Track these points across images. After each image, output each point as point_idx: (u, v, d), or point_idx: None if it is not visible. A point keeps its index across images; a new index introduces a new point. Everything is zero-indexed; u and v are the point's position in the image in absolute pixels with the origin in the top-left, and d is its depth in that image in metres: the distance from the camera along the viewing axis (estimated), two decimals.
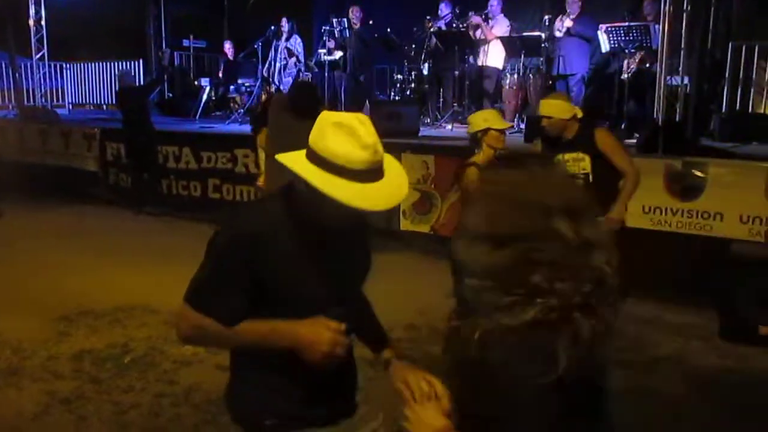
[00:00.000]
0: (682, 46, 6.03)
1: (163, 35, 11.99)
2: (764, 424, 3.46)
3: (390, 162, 1.66)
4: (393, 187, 1.62)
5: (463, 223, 1.25)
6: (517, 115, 8.17)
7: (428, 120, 8.85)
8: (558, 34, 7.98)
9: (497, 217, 1.19)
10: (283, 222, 1.67)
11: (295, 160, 1.58)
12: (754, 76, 7.02)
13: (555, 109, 4.05)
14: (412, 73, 9.50)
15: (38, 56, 12.12)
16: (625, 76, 7.15)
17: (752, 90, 7.09)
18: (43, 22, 11.87)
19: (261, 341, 1.65)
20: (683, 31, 5.97)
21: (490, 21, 8.69)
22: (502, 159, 1.16)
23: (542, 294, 1.14)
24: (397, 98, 9.40)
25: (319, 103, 5.57)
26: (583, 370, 1.15)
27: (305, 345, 1.61)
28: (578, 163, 3.97)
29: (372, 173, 1.57)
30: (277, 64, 10.17)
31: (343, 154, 1.52)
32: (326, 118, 1.58)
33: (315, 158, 1.54)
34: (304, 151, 1.58)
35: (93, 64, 12.88)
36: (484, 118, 3.91)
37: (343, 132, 1.55)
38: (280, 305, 1.66)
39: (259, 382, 1.76)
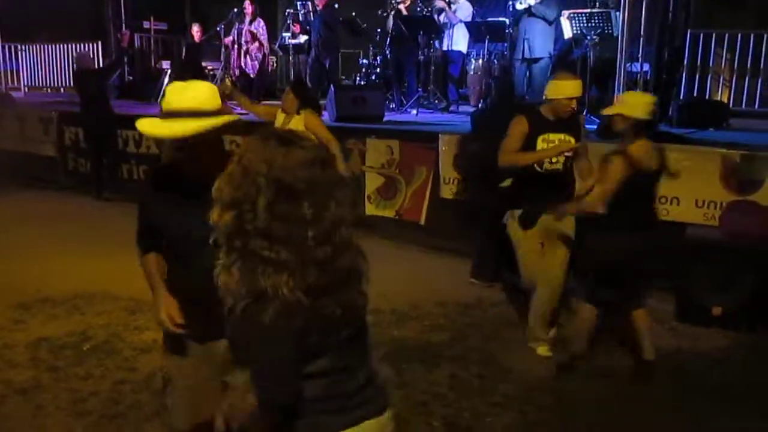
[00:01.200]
0: (642, 33, 6.12)
1: (123, 16, 11.68)
2: (718, 402, 3.58)
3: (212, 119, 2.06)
4: (180, 125, 2.02)
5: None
6: (481, 101, 8.22)
7: (393, 105, 8.84)
8: (519, 6, 7.91)
9: (225, 185, 1.46)
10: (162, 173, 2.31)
11: None
12: (711, 63, 7.17)
13: (573, 88, 3.79)
14: (378, 57, 9.46)
15: None
16: (588, 61, 7.22)
17: (709, 77, 7.25)
18: None
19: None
20: (643, 18, 6.06)
21: (453, 5, 8.69)
22: (259, 130, 1.36)
23: (258, 259, 1.44)
24: (362, 83, 9.36)
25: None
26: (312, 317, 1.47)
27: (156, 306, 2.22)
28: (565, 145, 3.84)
29: (175, 115, 2.03)
30: (239, 48, 10.01)
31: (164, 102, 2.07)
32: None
33: None
34: None
35: (50, 46, 12.51)
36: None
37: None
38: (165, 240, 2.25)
39: None
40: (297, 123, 4.95)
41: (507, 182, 5.05)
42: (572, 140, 3.85)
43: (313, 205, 1.45)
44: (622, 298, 3.78)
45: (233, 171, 1.47)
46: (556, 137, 3.84)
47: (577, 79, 3.92)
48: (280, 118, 5.13)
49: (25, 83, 12.83)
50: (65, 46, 12.22)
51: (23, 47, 12.68)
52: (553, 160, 3.85)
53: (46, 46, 12.54)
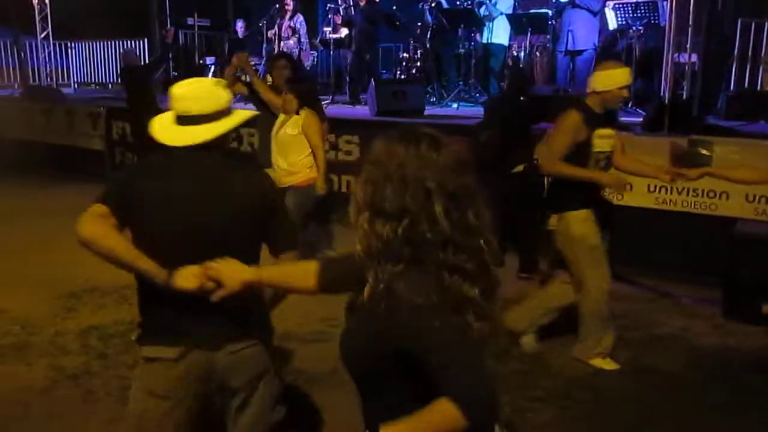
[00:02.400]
0: (690, 23, 5.97)
1: (167, 13, 11.90)
2: (765, 402, 3.48)
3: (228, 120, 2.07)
4: (203, 130, 2.01)
5: (354, 192, 1.44)
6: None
7: (434, 99, 8.81)
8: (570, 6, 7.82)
9: (383, 193, 1.36)
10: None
11: None
12: (762, 53, 6.94)
13: (624, 76, 3.61)
14: (418, 51, 9.43)
15: (43, 35, 12.10)
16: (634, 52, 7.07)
17: (760, 68, 7.02)
18: (47, 1, 11.82)
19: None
20: (691, 7, 5.90)
21: None
22: (399, 132, 1.42)
23: (439, 264, 1.37)
24: (402, 77, 9.35)
25: None
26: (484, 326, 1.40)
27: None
28: (609, 140, 3.67)
29: (195, 120, 2.02)
30: (281, 43, 10.11)
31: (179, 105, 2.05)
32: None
33: None
34: None
35: (98, 43, 12.83)
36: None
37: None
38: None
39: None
40: (295, 123, 4.82)
41: (519, 168, 5.06)
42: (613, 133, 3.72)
43: (475, 213, 1.41)
44: None
45: (388, 178, 1.38)
46: (607, 132, 3.65)
47: (625, 67, 3.75)
48: (280, 119, 4.95)
49: (75, 79, 13.19)
50: (112, 43, 12.53)
51: (72, 44, 13.04)
52: (601, 161, 3.66)
53: (93, 43, 12.87)
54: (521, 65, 8.17)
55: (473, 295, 1.38)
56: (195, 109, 2.02)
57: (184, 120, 2.04)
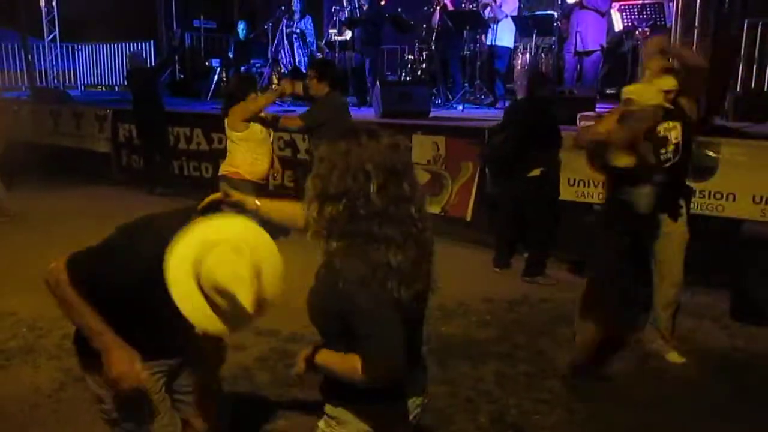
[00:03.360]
0: (696, 24, 5.94)
1: (174, 16, 11.95)
2: None
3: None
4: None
5: (306, 188, 1.69)
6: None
7: (439, 101, 8.80)
8: (570, 0, 7.81)
9: (329, 181, 1.62)
10: None
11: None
12: None
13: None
14: (423, 53, 9.44)
15: (50, 38, 12.17)
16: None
17: (767, 68, 6.98)
18: (54, 3, 11.89)
19: (90, 329, 2.02)
20: (697, 8, 5.88)
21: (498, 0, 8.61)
22: (342, 132, 1.69)
23: (367, 235, 1.60)
24: (407, 78, 9.35)
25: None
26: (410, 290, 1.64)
27: (110, 362, 1.97)
28: (671, 132, 3.64)
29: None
30: (287, 45, 10.13)
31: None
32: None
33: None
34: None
35: (104, 46, 12.89)
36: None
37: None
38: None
39: None
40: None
41: (535, 172, 5.01)
42: (678, 125, 3.64)
43: (409, 184, 1.66)
44: None
45: (334, 167, 1.62)
46: (663, 127, 3.60)
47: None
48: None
49: (81, 82, 13.26)
50: (119, 45, 12.58)
51: (79, 47, 13.10)
52: (668, 150, 3.65)
53: (100, 45, 12.93)
54: (537, 67, 8.12)
55: (396, 264, 1.61)
56: None
57: None
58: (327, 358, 1.74)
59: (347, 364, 1.65)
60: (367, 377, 1.62)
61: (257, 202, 2.11)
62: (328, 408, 1.82)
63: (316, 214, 1.66)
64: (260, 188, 5.53)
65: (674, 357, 3.92)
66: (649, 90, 3.45)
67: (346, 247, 1.63)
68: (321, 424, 1.86)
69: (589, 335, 3.59)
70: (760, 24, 6.78)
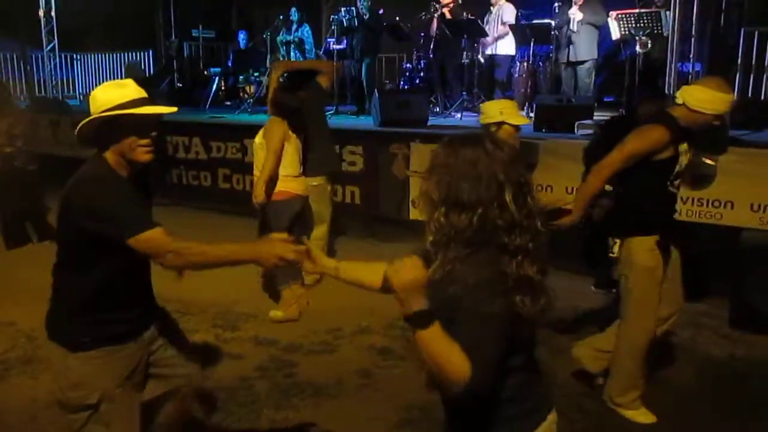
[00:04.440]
0: (693, 32, 5.98)
1: (172, 25, 11.98)
2: None
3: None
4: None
5: (427, 192, 1.65)
6: (527, 104, 8.14)
7: (437, 109, 8.83)
8: (573, 27, 7.87)
9: (458, 188, 1.58)
10: None
11: None
12: (766, 62, 6.93)
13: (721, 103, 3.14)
14: (421, 61, 9.46)
15: (49, 48, 12.17)
16: (637, 62, 7.08)
17: (765, 77, 7.00)
18: (53, 14, 11.91)
19: (230, 257, 2.15)
20: (695, 17, 5.91)
21: (495, 7, 8.64)
22: (461, 137, 1.64)
23: (499, 246, 1.56)
24: (406, 87, 9.37)
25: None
26: (534, 309, 1.56)
27: (266, 258, 2.08)
28: (687, 155, 3.27)
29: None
30: (285, 54, 10.16)
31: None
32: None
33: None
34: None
35: (103, 55, 12.92)
36: (500, 110, 3.57)
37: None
38: None
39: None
40: (262, 132, 4.65)
41: (608, 187, 4.61)
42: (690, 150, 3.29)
43: (533, 197, 1.62)
44: None
45: (463, 174, 1.58)
46: (684, 148, 3.22)
47: (729, 93, 3.17)
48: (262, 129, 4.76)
49: (80, 91, 13.27)
50: (118, 55, 12.60)
51: (78, 56, 13.12)
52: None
53: (99, 55, 12.95)
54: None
55: (532, 273, 1.56)
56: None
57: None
58: (439, 337, 1.50)
59: (456, 356, 1.48)
60: (470, 383, 1.47)
61: (337, 266, 2.01)
62: None
63: (444, 219, 1.60)
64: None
65: None
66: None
67: (473, 255, 1.58)
68: None
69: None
70: (757, 33, 6.81)
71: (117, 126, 2.19)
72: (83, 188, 2.20)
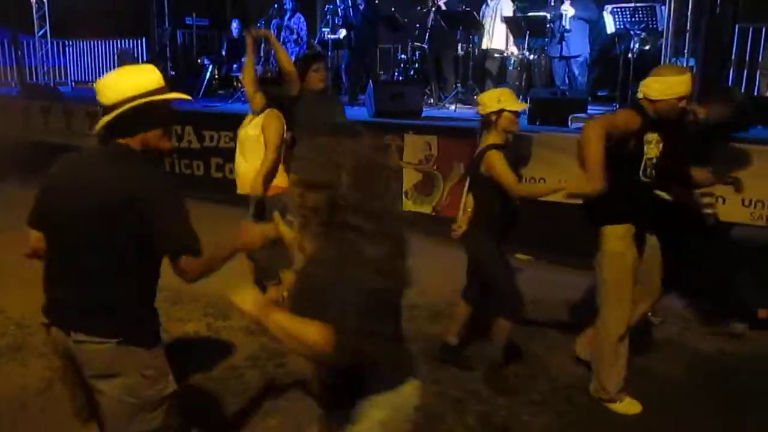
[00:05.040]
0: (688, 27, 5.98)
1: (166, 13, 11.88)
2: (761, 407, 3.49)
3: None
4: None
5: (292, 175, 1.84)
6: (521, 96, 8.13)
7: (432, 100, 8.81)
8: (564, 23, 7.88)
9: (313, 173, 1.77)
10: None
11: None
12: (760, 58, 6.96)
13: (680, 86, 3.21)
14: (416, 52, 9.44)
15: (40, 33, 12.07)
16: (631, 56, 7.09)
17: (759, 73, 7.04)
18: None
19: (227, 253, 2.25)
20: (689, 12, 5.92)
21: (492, 1, 8.62)
22: (326, 130, 1.86)
23: (344, 225, 1.73)
24: (400, 78, 9.35)
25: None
26: (388, 281, 1.73)
27: (251, 241, 2.26)
28: (658, 146, 3.30)
29: (102, 111, 2.15)
30: (283, 43, 10.10)
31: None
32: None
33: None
34: None
35: (95, 42, 12.81)
36: (498, 99, 3.55)
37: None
38: None
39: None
40: (257, 124, 4.47)
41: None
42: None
43: (384, 183, 1.79)
44: None
45: (316, 161, 1.77)
46: (654, 137, 3.27)
47: (685, 74, 3.24)
48: (247, 119, 4.61)
49: (72, 78, 13.16)
50: (110, 42, 12.49)
51: (70, 43, 13.00)
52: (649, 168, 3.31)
53: (91, 42, 12.84)
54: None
55: (369, 252, 1.71)
56: (103, 100, 2.10)
57: (102, 111, 2.12)
58: (286, 319, 1.74)
59: (312, 329, 1.67)
60: (336, 345, 1.65)
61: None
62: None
63: (301, 199, 1.80)
64: None
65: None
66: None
67: (324, 235, 1.79)
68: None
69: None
70: (751, 29, 6.83)
71: (154, 112, 2.12)
72: (152, 187, 2.09)
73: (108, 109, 2.10)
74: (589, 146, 3.02)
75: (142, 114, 2.10)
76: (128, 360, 2.12)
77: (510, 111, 3.55)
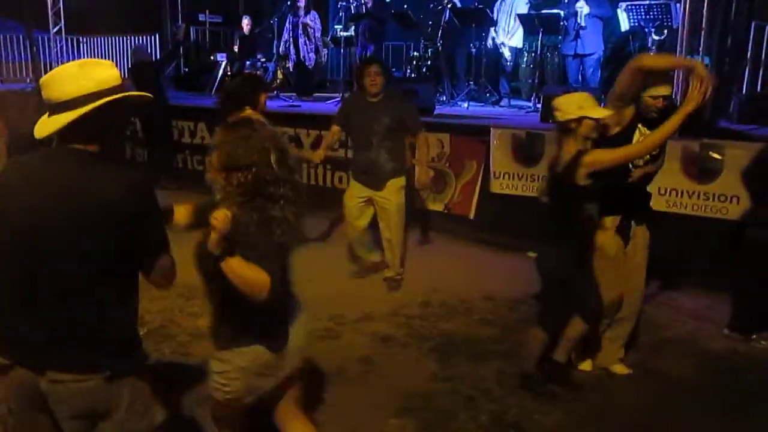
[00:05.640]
0: (703, 25, 5.93)
1: (179, 9, 11.93)
2: None
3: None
4: (50, 123, 1.90)
5: (211, 162, 2.26)
6: (534, 95, 8.11)
7: (444, 98, 8.80)
8: (580, 20, 7.83)
9: (236, 156, 2.19)
10: None
11: None
12: None
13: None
14: (428, 50, 9.42)
15: (55, 30, 12.14)
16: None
17: None
18: None
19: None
20: (704, 9, 5.87)
21: None
22: (232, 123, 2.37)
23: (268, 195, 2.20)
24: (412, 75, 9.34)
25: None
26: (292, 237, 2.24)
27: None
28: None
29: (53, 108, 1.91)
30: (292, 40, 10.11)
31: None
32: None
33: None
34: None
35: (109, 38, 12.88)
36: (579, 105, 3.35)
37: None
38: None
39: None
40: None
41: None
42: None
43: (291, 159, 2.28)
44: None
45: (239, 146, 2.20)
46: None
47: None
48: None
49: None
50: (124, 38, 12.55)
51: (84, 39, 13.08)
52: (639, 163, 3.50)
53: (105, 38, 12.91)
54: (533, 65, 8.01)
55: (288, 215, 2.20)
56: (55, 96, 1.83)
57: (50, 109, 1.87)
58: (238, 264, 2.10)
59: (257, 274, 2.11)
60: (270, 289, 2.11)
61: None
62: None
63: (224, 180, 2.21)
64: None
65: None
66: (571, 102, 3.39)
67: (247, 204, 2.19)
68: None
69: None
70: (766, 27, 6.76)
71: (122, 110, 1.91)
72: (141, 192, 1.92)
73: (62, 105, 1.85)
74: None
75: (110, 112, 1.87)
76: (118, 394, 1.89)
77: (591, 118, 3.36)
